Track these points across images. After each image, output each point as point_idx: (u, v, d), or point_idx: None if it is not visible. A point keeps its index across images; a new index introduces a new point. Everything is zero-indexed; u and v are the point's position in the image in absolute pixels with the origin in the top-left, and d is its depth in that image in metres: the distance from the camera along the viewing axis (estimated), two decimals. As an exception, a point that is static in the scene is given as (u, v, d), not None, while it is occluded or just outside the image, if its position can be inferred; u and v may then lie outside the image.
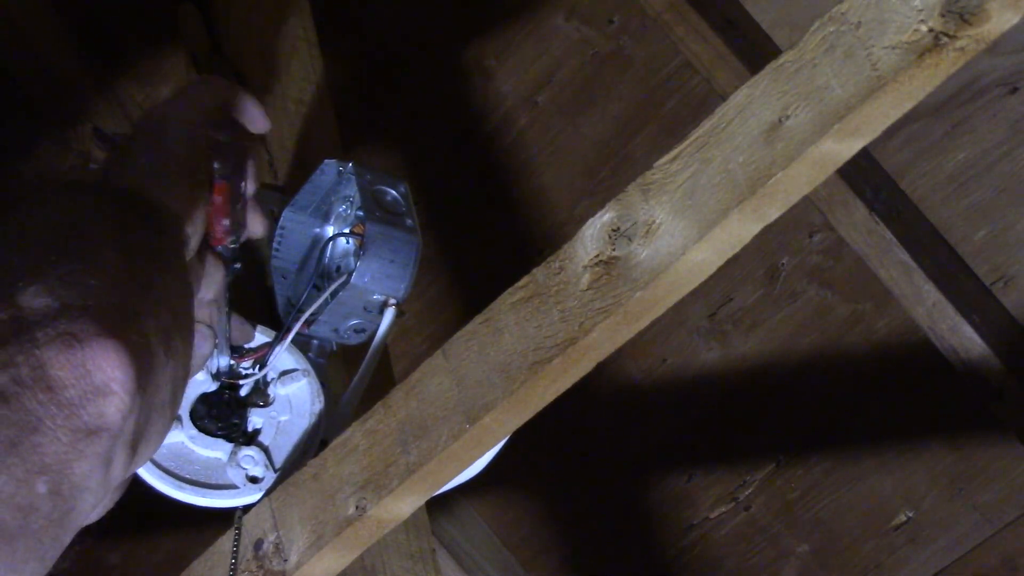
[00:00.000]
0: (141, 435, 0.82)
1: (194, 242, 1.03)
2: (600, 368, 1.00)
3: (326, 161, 1.28)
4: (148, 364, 0.81)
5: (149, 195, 0.97)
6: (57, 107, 2.21)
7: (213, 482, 1.16)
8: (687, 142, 0.93)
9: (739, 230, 0.91)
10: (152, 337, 0.83)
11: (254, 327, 1.21)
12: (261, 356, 1.20)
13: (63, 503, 0.76)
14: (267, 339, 1.22)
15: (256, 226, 1.12)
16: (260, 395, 1.21)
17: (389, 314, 1.22)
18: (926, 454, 2.12)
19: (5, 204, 0.88)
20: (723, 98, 0.97)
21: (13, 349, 0.75)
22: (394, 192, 1.25)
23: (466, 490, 2.26)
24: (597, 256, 0.97)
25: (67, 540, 0.79)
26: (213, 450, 1.17)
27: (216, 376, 1.19)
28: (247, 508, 1.16)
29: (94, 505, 0.80)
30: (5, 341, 0.76)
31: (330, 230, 1.29)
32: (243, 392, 1.21)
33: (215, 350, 1.15)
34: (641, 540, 2.38)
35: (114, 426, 0.78)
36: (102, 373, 0.77)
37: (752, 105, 0.90)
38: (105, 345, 0.77)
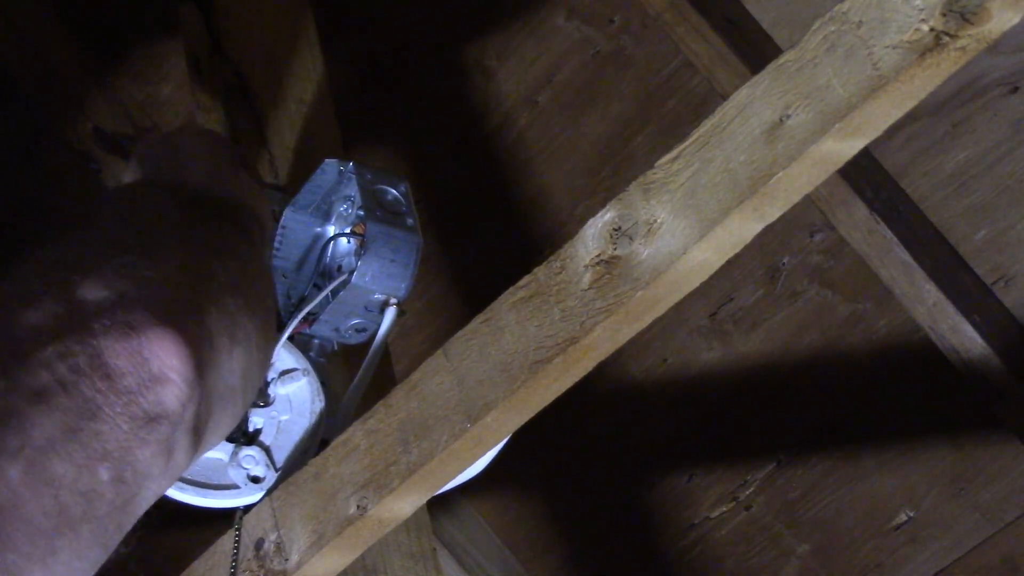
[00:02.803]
0: (205, 422, 0.84)
1: (271, 233, 1.05)
2: (601, 368, 1.00)
3: (327, 160, 1.28)
4: (208, 352, 0.82)
5: (211, 191, 0.99)
6: (57, 107, 2.21)
7: (214, 482, 1.16)
8: (688, 141, 0.93)
9: (740, 229, 0.91)
10: (214, 325, 0.84)
11: None
12: (262, 355, 1.20)
13: (126, 490, 0.77)
14: (268, 338, 1.22)
15: None
16: (260, 394, 1.21)
17: (390, 313, 1.23)
18: (927, 454, 2.12)
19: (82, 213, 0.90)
20: (724, 97, 0.97)
21: (70, 339, 0.77)
22: (395, 191, 1.25)
23: (467, 490, 2.26)
24: (598, 255, 0.97)
25: (128, 528, 0.80)
26: (214, 450, 1.17)
27: (217, 376, 1.19)
28: (248, 508, 1.16)
29: (157, 492, 0.82)
30: (63, 332, 0.77)
31: (331, 229, 1.29)
32: (244, 392, 1.21)
33: None
34: (642, 540, 2.38)
35: (173, 413, 0.79)
36: (159, 361, 0.78)
37: (753, 104, 0.90)
38: (161, 334, 0.79)
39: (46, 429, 0.74)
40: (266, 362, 0.99)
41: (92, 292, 0.79)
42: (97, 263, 0.82)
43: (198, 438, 0.84)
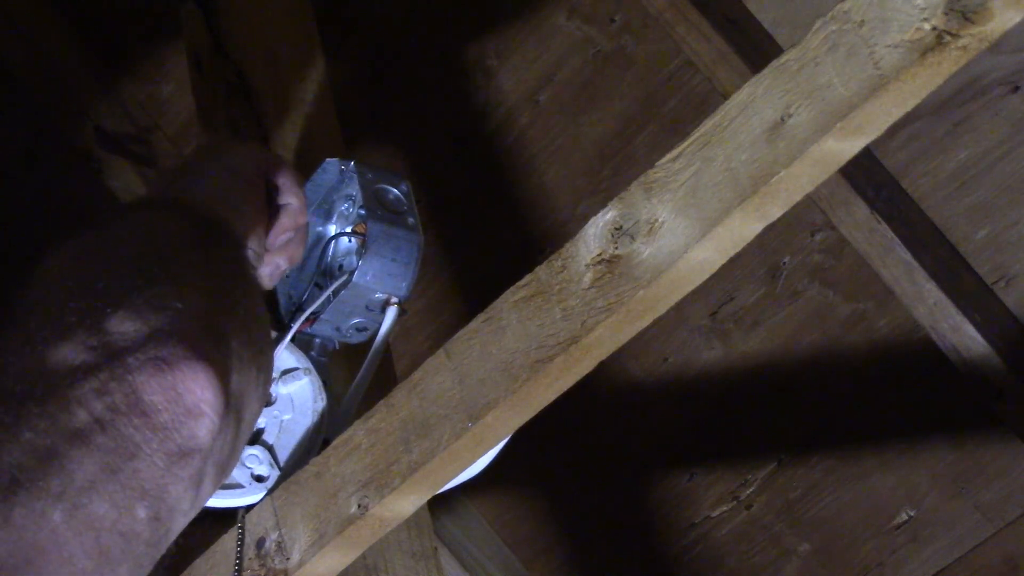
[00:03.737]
0: (230, 452, 0.83)
1: (258, 264, 1.06)
2: (601, 367, 1.00)
3: (328, 160, 1.28)
4: (237, 383, 0.82)
5: (223, 216, 0.99)
6: (59, 106, 2.21)
7: (217, 481, 1.16)
8: (689, 141, 0.93)
9: (741, 229, 0.91)
10: (241, 355, 0.84)
11: None
12: (263, 355, 1.20)
13: (161, 527, 0.78)
14: (269, 338, 1.22)
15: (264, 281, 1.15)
16: (262, 394, 1.21)
17: (391, 313, 1.23)
18: (927, 453, 2.12)
19: (90, 227, 0.89)
20: (725, 97, 0.98)
21: (106, 376, 0.76)
22: (396, 191, 1.25)
23: (468, 489, 2.26)
24: (599, 255, 0.97)
25: (157, 560, 0.79)
26: (215, 448, 1.17)
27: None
28: (250, 507, 1.16)
29: (184, 524, 0.81)
30: (97, 368, 0.76)
31: (332, 229, 1.29)
32: (245, 391, 1.21)
33: None
34: (642, 539, 2.38)
35: (204, 447, 0.79)
36: (192, 395, 0.78)
37: (754, 104, 0.90)
38: (194, 367, 0.78)
39: (87, 470, 0.74)
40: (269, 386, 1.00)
41: (124, 325, 0.79)
42: (126, 293, 0.81)
43: (222, 469, 0.84)
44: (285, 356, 1.22)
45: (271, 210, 1.13)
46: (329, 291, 1.23)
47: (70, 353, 0.77)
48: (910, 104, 0.84)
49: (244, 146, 1.14)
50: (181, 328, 0.80)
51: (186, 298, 0.83)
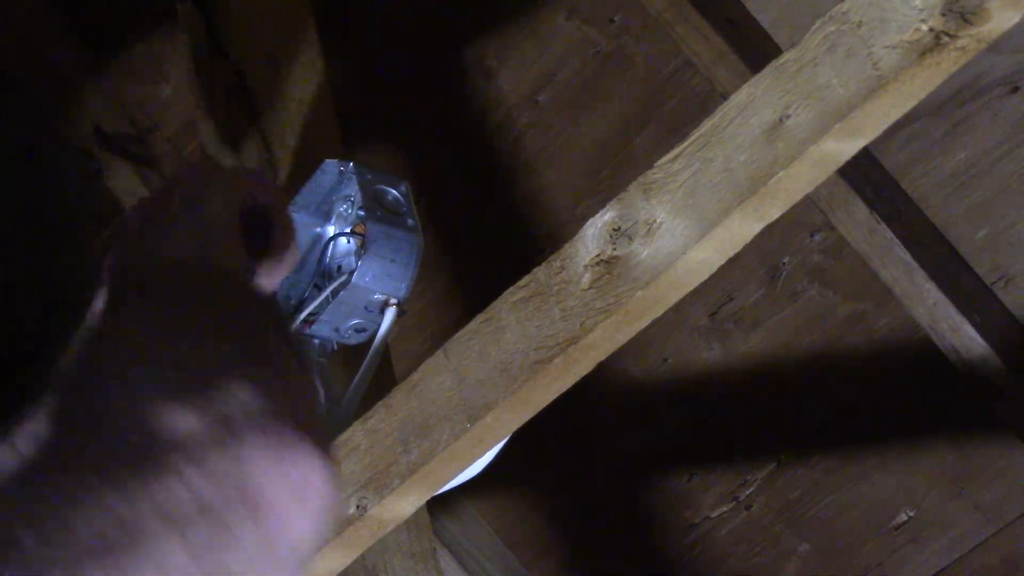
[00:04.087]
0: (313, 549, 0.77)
1: None
2: (600, 367, 1.00)
3: (327, 161, 1.28)
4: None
5: (244, 273, 0.94)
6: (57, 106, 2.21)
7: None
8: (688, 141, 0.93)
9: (740, 229, 0.91)
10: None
11: None
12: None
13: None
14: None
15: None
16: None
17: (390, 313, 1.23)
18: (927, 453, 2.12)
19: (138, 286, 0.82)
20: (724, 97, 0.97)
21: (218, 456, 0.68)
22: (395, 192, 1.26)
23: (467, 489, 2.26)
24: (598, 255, 0.97)
25: None
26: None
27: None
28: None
29: None
30: (210, 445, 0.68)
31: (331, 230, 1.29)
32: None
33: None
34: (642, 539, 2.38)
35: (310, 545, 0.70)
36: (311, 487, 0.70)
37: (753, 104, 0.90)
38: (313, 455, 0.70)
39: (175, 554, 0.66)
40: None
41: (238, 401, 0.71)
42: (228, 366, 0.73)
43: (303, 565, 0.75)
44: (284, 357, 1.22)
45: (260, 232, 1.05)
46: (328, 292, 1.23)
47: (179, 423, 0.69)
48: (909, 105, 0.84)
49: (213, 184, 1.05)
50: (290, 409, 0.72)
51: (284, 377, 0.75)
